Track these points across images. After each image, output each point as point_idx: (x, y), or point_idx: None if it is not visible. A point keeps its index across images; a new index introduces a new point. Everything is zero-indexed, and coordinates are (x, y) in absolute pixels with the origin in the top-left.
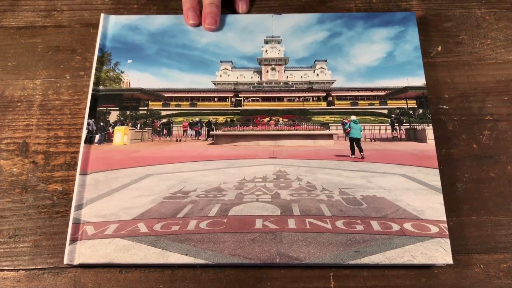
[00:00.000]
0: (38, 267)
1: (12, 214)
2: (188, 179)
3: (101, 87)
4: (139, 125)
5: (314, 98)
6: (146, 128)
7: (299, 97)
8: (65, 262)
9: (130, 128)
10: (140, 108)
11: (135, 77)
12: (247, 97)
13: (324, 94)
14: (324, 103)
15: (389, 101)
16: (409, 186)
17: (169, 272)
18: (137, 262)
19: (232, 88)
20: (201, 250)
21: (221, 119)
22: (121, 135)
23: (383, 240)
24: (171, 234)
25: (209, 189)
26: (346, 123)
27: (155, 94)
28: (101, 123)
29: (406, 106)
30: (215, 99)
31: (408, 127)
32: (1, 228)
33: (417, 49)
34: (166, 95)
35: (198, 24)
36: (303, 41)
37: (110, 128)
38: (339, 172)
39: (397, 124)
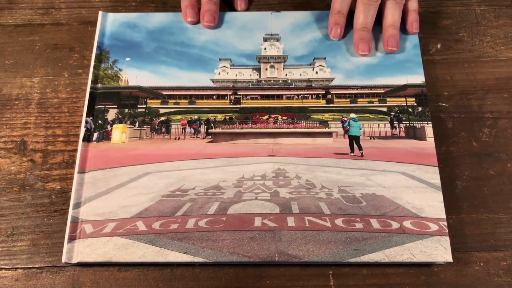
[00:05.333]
0: (36, 265)
1: (10, 212)
2: (186, 177)
3: (99, 85)
4: (137, 123)
5: (313, 96)
6: (145, 126)
7: (298, 95)
8: (63, 260)
9: (129, 126)
10: (139, 106)
11: (134, 75)
12: (246, 95)
13: (323, 92)
14: (323, 101)
15: (388, 99)
16: (409, 184)
17: (168, 271)
18: (136, 260)
19: (231, 86)
20: (200, 248)
21: (220, 117)
22: (119, 133)
23: (383, 238)
24: (170, 233)
25: (208, 187)
26: (345, 121)
27: (153, 92)
28: (99, 121)
29: (405, 104)
30: (214, 97)
31: (408, 125)
32: None
33: (416, 46)
34: (164, 93)
35: (197, 22)
36: (302, 38)
37: (108, 126)
38: (338, 170)
39: (396, 122)
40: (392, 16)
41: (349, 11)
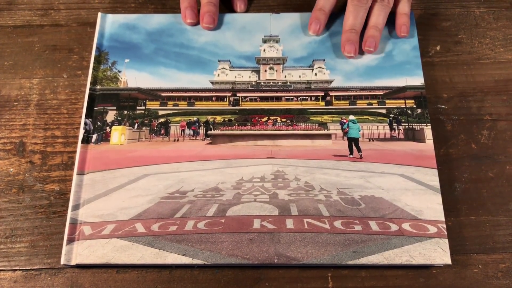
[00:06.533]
0: (35, 267)
1: (8, 214)
2: (185, 179)
3: (98, 87)
4: (136, 125)
5: (313, 98)
6: (144, 128)
7: (297, 96)
8: (62, 262)
9: (128, 127)
10: (138, 107)
11: (133, 77)
12: (245, 97)
13: (323, 94)
14: (322, 103)
15: (387, 101)
16: (408, 186)
17: (166, 273)
18: (135, 262)
19: (230, 87)
20: (198, 250)
21: (219, 118)
22: (118, 134)
23: (382, 240)
24: (169, 235)
25: (206, 189)
26: (345, 122)
27: (152, 94)
28: (98, 123)
29: (404, 106)
30: (213, 98)
31: (407, 127)
32: None
33: (416, 48)
34: (163, 94)
35: (196, 23)
36: (301, 40)
37: (107, 128)
38: (337, 172)
39: (395, 124)
40: (376, 17)
41: (344, 13)
